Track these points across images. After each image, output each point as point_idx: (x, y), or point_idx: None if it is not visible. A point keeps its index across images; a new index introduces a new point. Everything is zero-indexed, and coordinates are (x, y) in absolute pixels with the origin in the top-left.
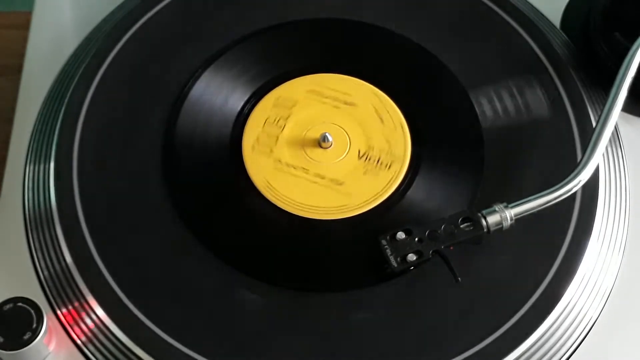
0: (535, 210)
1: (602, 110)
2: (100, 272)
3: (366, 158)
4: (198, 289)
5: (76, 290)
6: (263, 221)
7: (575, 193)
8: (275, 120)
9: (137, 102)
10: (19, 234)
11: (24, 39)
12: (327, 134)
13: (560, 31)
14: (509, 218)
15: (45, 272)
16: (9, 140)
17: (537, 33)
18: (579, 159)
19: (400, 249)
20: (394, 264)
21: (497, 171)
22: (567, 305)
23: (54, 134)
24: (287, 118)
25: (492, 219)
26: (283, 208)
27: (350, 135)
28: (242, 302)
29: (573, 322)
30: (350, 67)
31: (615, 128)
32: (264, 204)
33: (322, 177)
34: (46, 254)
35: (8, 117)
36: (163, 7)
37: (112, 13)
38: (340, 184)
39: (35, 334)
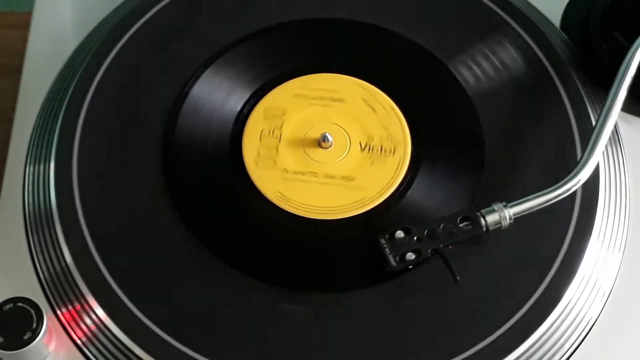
0: (534, 209)
1: (601, 110)
2: (100, 272)
3: (369, 149)
4: (198, 289)
5: (76, 290)
6: (263, 221)
7: (575, 193)
8: (275, 120)
9: (137, 102)
10: (19, 234)
11: (24, 39)
12: (327, 134)
13: (560, 31)
14: (508, 217)
15: (45, 272)
16: (9, 140)
17: (537, 33)
18: (578, 159)
19: (399, 248)
20: (393, 262)
21: (497, 171)
22: (567, 305)
23: (54, 134)
24: (285, 118)
25: (491, 218)
26: (283, 208)
27: (349, 134)
28: (242, 302)
29: (573, 322)
30: (350, 67)
31: (615, 128)
32: (264, 204)
33: (332, 177)
34: (46, 254)
35: (8, 117)
36: (163, 6)
37: (112, 13)
38: (352, 179)
39: (35, 334)
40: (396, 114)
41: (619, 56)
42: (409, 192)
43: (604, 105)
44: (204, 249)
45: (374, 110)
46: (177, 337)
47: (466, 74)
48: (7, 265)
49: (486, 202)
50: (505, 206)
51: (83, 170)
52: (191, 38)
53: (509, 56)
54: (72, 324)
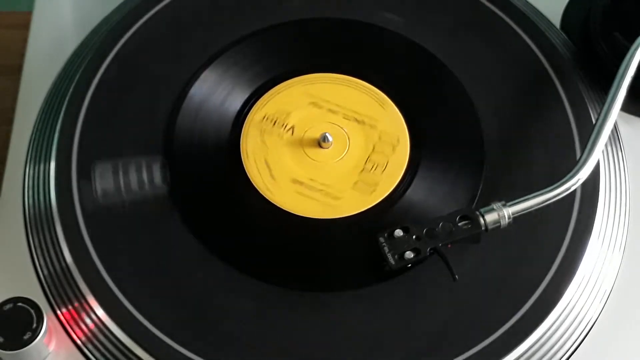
0: (533, 208)
1: (601, 109)
2: (100, 272)
3: (366, 160)
4: (197, 289)
5: (76, 290)
6: (262, 221)
7: (575, 193)
8: (275, 121)
9: (137, 102)
10: (19, 234)
11: (24, 39)
12: (327, 134)
13: (560, 31)
14: (507, 216)
15: (45, 272)
16: (9, 140)
17: (537, 33)
18: (578, 158)
19: (398, 247)
20: (392, 261)
21: (497, 170)
22: (567, 305)
23: (54, 134)
24: (286, 119)
25: (490, 217)
26: (283, 207)
27: (349, 135)
28: (242, 302)
29: (573, 322)
30: (350, 67)
31: (615, 128)
32: (263, 204)
33: (322, 183)
34: (46, 254)
35: (8, 117)
36: (163, 7)
37: (112, 13)
38: (337, 190)
39: (35, 334)
40: (402, 129)
41: (619, 56)
42: (408, 192)
43: (603, 105)
44: (204, 249)
45: (382, 121)
46: (177, 337)
47: (466, 73)
48: (7, 265)
49: (486, 201)
50: (504, 205)
51: (83, 170)
52: (191, 38)
53: (508, 56)
54: (72, 324)
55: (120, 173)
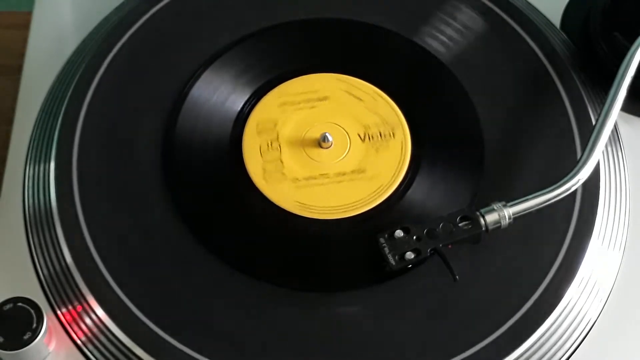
0: (534, 209)
1: (601, 110)
2: (100, 272)
3: (369, 138)
4: (198, 289)
5: (76, 290)
6: (263, 220)
7: (575, 193)
8: (269, 133)
9: (137, 102)
10: (19, 234)
11: (24, 39)
12: (327, 134)
13: (560, 31)
14: (507, 217)
15: (45, 272)
16: (9, 140)
17: (537, 33)
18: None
19: (399, 247)
20: (392, 262)
21: (497, 170)
22: (567, 305)
23: (54, 134)
24: (278, 128)
25: (491, 218)
26: (283, 207)
27: (346, 129)
28: (242, 302)
29: (573, 322)
30: (350, 67)
31: (615, 128)
32: (263, 203)
33: (344, 174)
34: (46, 254)
35: (8, 117)
36: (162, 6)
37: (112, 13)
38: (363, 171)
39: (35, 334)
40: (382, 98)
41: (619, 56)
42: (409, 192)
43: (603, 105)
44: (204, 249)
45: (360, 100)
46: (177, 337)
47: (467, 74)
48: (7, 265)
49: (486, 201)
50: (504, 205)
51: (83, 170)
52: (191, 38)
53: (508, 56)
54: (72, 324)
55: None
